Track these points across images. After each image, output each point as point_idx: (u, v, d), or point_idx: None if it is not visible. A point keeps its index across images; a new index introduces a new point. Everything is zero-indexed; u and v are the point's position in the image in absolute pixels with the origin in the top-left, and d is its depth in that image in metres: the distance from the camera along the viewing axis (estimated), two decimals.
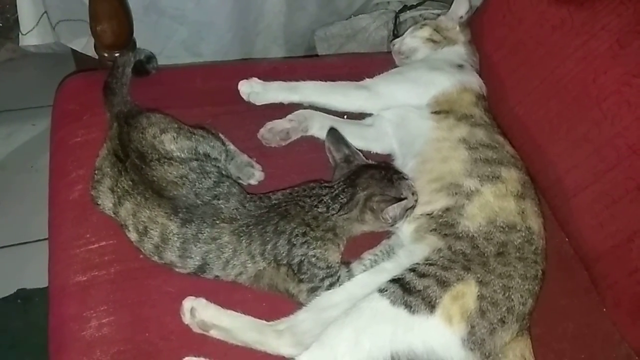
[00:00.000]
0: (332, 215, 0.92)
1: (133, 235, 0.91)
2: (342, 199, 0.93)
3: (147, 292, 0.91)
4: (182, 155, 0.95)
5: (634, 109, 1.00)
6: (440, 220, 0.96)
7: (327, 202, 0.93)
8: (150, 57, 1.20)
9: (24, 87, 1.92)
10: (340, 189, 0.94)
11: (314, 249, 0.90)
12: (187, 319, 0.87)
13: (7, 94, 1.89)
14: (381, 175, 0.95)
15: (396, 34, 1.75)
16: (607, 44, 1.05)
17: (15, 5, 1.58)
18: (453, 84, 1.14)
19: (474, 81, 1.17)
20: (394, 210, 0.92)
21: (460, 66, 1.19)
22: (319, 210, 0.92)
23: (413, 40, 1.26)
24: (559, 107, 1.13)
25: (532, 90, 1.19)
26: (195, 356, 0.84)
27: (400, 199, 0.92)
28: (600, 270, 1.05)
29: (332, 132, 1.04)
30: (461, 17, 1.26)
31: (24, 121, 1.83)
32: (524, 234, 0.94)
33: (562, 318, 0.98)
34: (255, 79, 1.18)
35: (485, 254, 0.91)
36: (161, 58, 1.65)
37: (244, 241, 0.89)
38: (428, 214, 0.97)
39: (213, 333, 0.87)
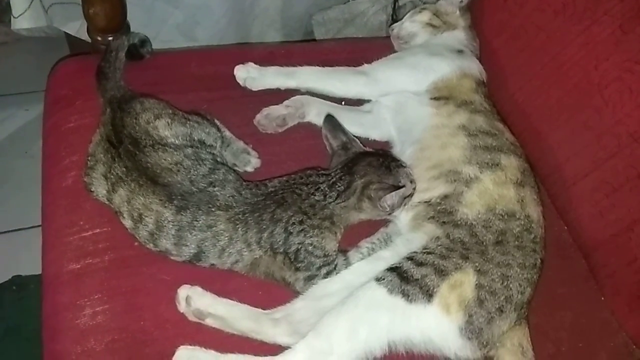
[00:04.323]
0: (330, 203, 0.91)
1: (128, 223, 0.90)
2: (339, 186, 0.92)
3: (142, 280, 0.90)
4: (177, 142, 0.93)
5: (636, 96, 0.99)
6: (439, 207, 0.95)
7: (324, 190, 0.91)
8: (145, 41, 1.17)
9: (17, 71, 1.90)
10: (337, 176, 0.93)
11: (310, 237, 0.88)
12: (182, 307, 0.86)
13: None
14: (379, 163, 0.93)
15: (395, 18, 1.72)
16: (610, 30, 1.03)
17: None
18: (453, 70, 1.12)
19: (474, 67, 1.16)
20: (391, 198, 0.90)
21: (460, 51, 1.17)
22: (316, 198, 0.91)
23: (412, 24, 1.24)
24: (560, 93, 1.12)
25: (533, 76, 1.18)
26: (190, 345, 0.83)
27: (398, 187, 0.91)
28: (599, 259, 1.05)
29: (329, 119, 1.02)
30: (461, 1, 1.23)
31: (18, 106, 1.80)
32: (523, 222, 0.93)
33: (560, 307, 0.98)
34: (252, 64, 1.16)
35: (484, 243, 0.90)
36: (156, 42, 1.62)
37: (240, 229, 0.87)
38: (426, 202, 0.96)
39: (208, 322, 0.86)
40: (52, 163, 1.04)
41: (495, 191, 0.95)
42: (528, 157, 1.06)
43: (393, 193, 0.90)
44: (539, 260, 0.92)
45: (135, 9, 1.41)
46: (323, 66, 1.17)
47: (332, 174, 0.93)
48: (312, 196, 0.91)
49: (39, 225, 1.02)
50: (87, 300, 0.87)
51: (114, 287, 0.89)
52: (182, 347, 0.82)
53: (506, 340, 0.87)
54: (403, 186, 0.91)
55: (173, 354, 0.82)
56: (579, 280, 1.04)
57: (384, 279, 0.85)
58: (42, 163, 1.07)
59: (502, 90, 1.21)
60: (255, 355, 0.83)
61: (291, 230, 0.88)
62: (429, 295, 0.84)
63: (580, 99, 1.08)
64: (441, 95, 1.09)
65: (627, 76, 1.00)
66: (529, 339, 0.89)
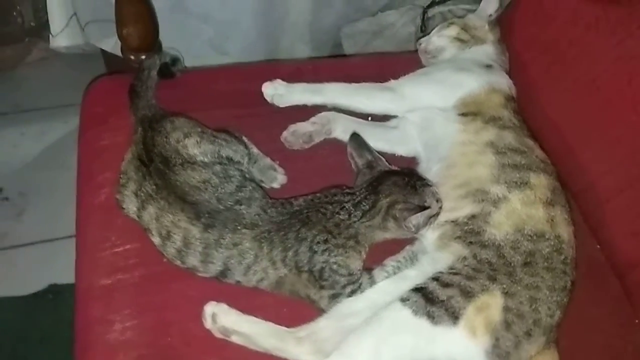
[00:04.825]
0: (354, 222, 0.91)
1: (156, 240, 0.92)
2: (364, 206, 0.92)
3: (170, 296, 0.92)
4: (205, 160, 0.95)
5: None
6: (466, 227, 0.94)
7: (349, 209, 0.92)
8: (176, 60, 1.20)
9: (56, 85, 1.95)
10: (362, 195, 0.93)
11: (335, 256, 0.89)
12: (208, 324, 0.88)
13: (40, 92, 1.93)
14: (404, 182, 0.93)
15: (424, 29, 1.71)
16: None
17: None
18: (481, 85, 1.10)
19: (503, 82, 1.14)
20: (417, 218, 0.90)
21: (488, 66, 1.16)
22: (341, 217, 0.91)
23: (440, 39, 1.23)
24: (592, 109, 1.09)
25: (564, 91, 1.15)
26: None
27: (424, 207, 0.90)
28: (634, 280, 1.01)
29: (355, 137, 1.02)
30: (490, 15, 1.22)
31: (57, 119, 1.85)
32: (552, 243, 0.91)
33: (591, 330, 0.95)
34: (279, 80, 1.17)
35: (512, 264, 0.89)
36: (188, 57, 1.66)
37: (265, 247, 0.88)
38: (453, 221, 0.95)
39: (234, 339, 0.87)
40: (86, 179, 1.08)
41: (523, 211, 0.93)
42: (560, 174, 1.04)
43: (418, 214, 0.89)
44: (570, 282, 0.90)
45: (168, 25, 1.44)
46: (350, 82, 1.17)
47: (357, 193, 0.93)
48: (337, 215, 0.91)
49: (74, 235, 1.05)
50: (117, 315, 0.89)
51: (143, 303, 0.91)
52: None
53: None
54: (428, 207, 0.91)
55: None
56: (611, 301, 1.01)
57: (409, 300, 0.84)
58: (77, 179, 1.10)
59: (532, 105, 1.19)
60: None
61: (316, 249, 0.88)
62: (454, 317, 0.83)
63: (613, 114, 1.05)
64: (469, 111, 1.08)
65: None
66: None
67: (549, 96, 1.18)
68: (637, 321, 0.99)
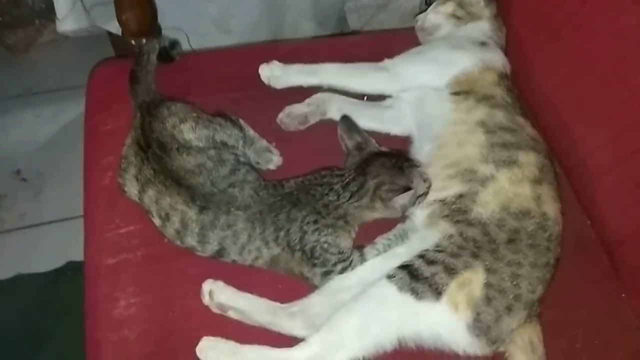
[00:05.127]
0: (343, 203, 0.94)
1: (157, 221, 0.96)
2: (352, 187, 0.95)
3: (171, 274, 0.97)
4: (200, 144, 0.98)
5: None
6: (453, 206, 0.96)
7: (338, 190, 0.95)
8: (175, 43, 1.22)
9: (67, 67, 1.98)
10: (350, 177, 0.96)
11: (325, 235, 0.92)
12: (206, 300, 0.92)
13: (51, 75, 1.97)
14: (391, 164, 0.95)
15: (428, 3, 1.70)
16: (637, 20, 0.99)
17: None
18: (475, 63, 1.11)
19: (497, 59, 1.14)
20: (402, 199, 0.93)
21: (483, 44, 1.16)
22: (330, 198, 0.94)
23: (436, 16, 1.23)
24: (586, 85, 1.10)
25: (560, 67, 1.15)
26: (213, 336, 0.89)
27: (409, 188, 0.93)
28: (622, 255, 1.03)
29: (345, 119, 1.05)
30: None
31: (69, 100, 1.88)
32: (538, 221, 0.93)
33: (578, 303, 0.98)
34: (276, 62, 1.18)
35: (496, 241, 0.91)
36: (192, 36, 1.68)
37: (257, 228, 0.92)
38: (441, 200, 0.98)
39: (230, 314, 0.92)
40: (91, 163, 1.12)
41: (510, 190, 0.95)
42: (553, 150, 1.05)
43: (404, 194, 0.92)
44: (553, 258, 0.93)
45: (172, 5, 1.46)
46: (349, 61, 1.18)
47: (346, 174, 0.96)
48: (326, 196, 0.94)
49: None
50: (122, 292, 0.95)
51: (145, 281, 0.96)
52: (204, 338, 0.88)
53: (516, 337, 0.88)
54: (412, 188, 0.93)
55: (198, 343, 0.88)
56: (599, 276, 1.03)
57: (394, 277, 0.88)
58: (84, 163, 1.15)
59: (529, 81, 1.19)
60: (273, 346, 0.89)
61: (306, 230, 0.92)
62: (437, 293, 0.86)
63: (607, 90, 1.05)
64: (462, 90, 1.09)
65: None
66: (541, 336, 0.90)
67: (545, 72, 1.18)
68: (623, 295, 1.01)
